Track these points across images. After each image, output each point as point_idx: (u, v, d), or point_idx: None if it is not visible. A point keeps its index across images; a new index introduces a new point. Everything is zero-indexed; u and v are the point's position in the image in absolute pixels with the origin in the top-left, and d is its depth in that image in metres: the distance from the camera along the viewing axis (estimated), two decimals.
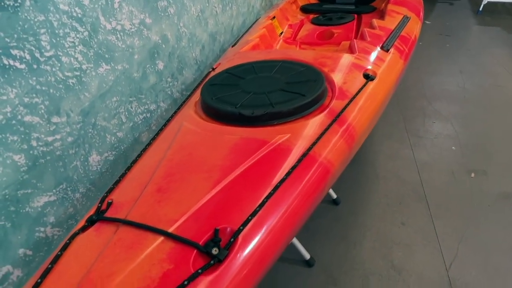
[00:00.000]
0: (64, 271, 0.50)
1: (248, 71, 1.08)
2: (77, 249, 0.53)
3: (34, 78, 0.96)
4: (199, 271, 0.47)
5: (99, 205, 0.63)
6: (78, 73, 1.10)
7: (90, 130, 1.18)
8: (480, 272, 1.48)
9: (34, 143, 0.98)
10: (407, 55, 1.30)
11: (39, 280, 0.48)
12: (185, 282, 0.45)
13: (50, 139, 1.03)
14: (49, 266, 0.50)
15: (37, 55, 0.96)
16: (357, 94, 0.94)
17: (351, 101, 0.90)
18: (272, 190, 0.61)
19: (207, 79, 1.20)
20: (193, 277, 0.46)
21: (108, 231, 0.55)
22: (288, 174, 0.65)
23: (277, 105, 0.83)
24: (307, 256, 1.54)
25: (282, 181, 0.63)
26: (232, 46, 1.64)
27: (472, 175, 2.02)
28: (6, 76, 0.88)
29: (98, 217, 0.58)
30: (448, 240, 1.67)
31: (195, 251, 0.50)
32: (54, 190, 1.07)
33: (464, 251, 1.59)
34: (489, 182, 1.93)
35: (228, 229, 0.54)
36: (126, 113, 1.34)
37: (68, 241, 0.55)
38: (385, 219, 1.80)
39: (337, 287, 1.51)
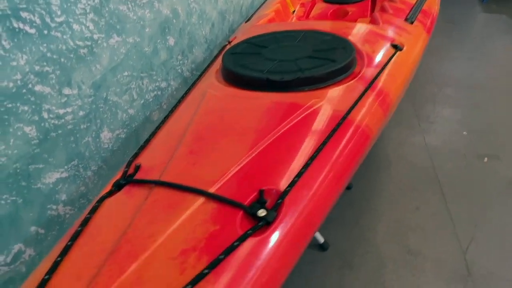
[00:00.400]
0: (96, 233, 0.45)
1: (270, 41, 1.02)
2: (107, 212, 0.49)
3: (45, 45, 0.90)
4: (249, 232, 0.42)
5: (126, 169, 0.58)
6: (89, 43, 1.04)
7: (101, 105, 1.12)
8: (497, 256, 1.45)
9: (45, 115, 0.93)
10: (429, 28, 1.25)
11: (69, 243, 0.43)
12: (236, 243, 0.40)
13: (61, 111, 0.98)
14: (79, 228, 0.45)
15: (48, 20, 0.90)
16: (388, 62, 0.89)
17: (383, 69, 0.85)
18: (315, 152, 0.57)
19: (223, 52, 1.14)
20: (243, 238, 0.41)
21: (140, 193, 0.51)
22: (329, 137, 0.60)
23: (307, 71, 0.78)
24: (321, 240, 1.50)
25: (324, 143, 0.59)
26: (246, 22, 1.58)
27: (485, 159, 1.98)
28: (15, 40, 0.82)
29: (127, 180, 0.53)
30: (464, 224, 1.64)
31: (241, 212, 0.46)
32: (65, 167, 1.01)
33: (480, 234, 1.56)
34: (503, 166, 1.89)
35: (274, 191, 0.49)
36: (137, 90, 1.29)
37: (96, 204, 0.50)
38: (398, 204, 1.76)
39: (352, 271, 1.48)
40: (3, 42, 0.80)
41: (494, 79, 2.70)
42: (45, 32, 0.89)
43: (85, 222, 0.46)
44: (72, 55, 0.99)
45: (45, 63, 0.91)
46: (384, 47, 0.97)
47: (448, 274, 1.44)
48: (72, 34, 0.98)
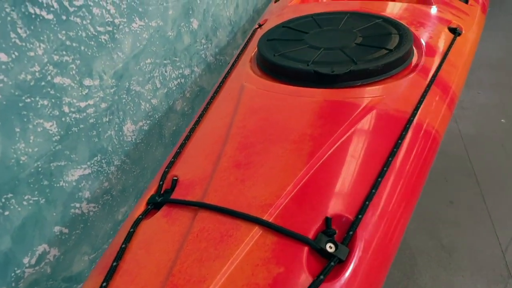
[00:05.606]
0: (135, 272, 0.37)
1: (310, 25, 0.91)
2: (146, 241, 0.41)
3: (64, 32, 0.82)
4: (321, 277, 0.34)
5: (161, 182, 0.50)
6: (110, 29, 0.95)
7: (124, 96, 1.04)
8: None
9: (66, 109, 0.86)
10: (485, 7, 1.11)
11: (104, 284, 0.36)
12: None
13: (82, 104, 0.91)
14: (114, 263, 0.38)
15: (66, 3, 0.81)
16: (448, 50, 0.77)
17: (444, 58, 0.74)
18: (384, 166, 0.48)
19: (254, 37, 1.04)
20: (316, 286, 0.33)
21: (182, 217, 0.43)
22: (397, 145, 0.51)
23: (360, 62, 0.68)
24: None
25: (393, 154, 0.49)
26: (275, 1, 1.46)
27: None
28: (32, 27, 0.74)
29: (165, 199, 0.46)
30: (503, 220, 1.53)
31: (306, 248, 0.37)
32: (88, 163, 0.95)
33: None
34: None
35: (343, 219, 0.41)
36: (161, 78, 1.20)
37: (132, 229, 0.43)
38: (431, 197, 1.65)
39: None
40: (19, 30, 0.72)
41: None
42: (64, 17, 0.81)
43: (121, 255, 0.39)
44: (92, 43, 0.90)
45: (64, 52, 0.83)
46: (441, 32, 0.85)
47: (486, 274, 1.35)
48: (92, 19, 0.89)
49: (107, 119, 1.00)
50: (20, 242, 0.81)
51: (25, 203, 0.80)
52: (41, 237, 0.86)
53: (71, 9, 0.83)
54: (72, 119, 0.88)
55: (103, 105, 0.97)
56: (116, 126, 1.03)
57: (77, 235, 0.96)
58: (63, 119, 0.86)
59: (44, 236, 0.86)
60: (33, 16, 0.74)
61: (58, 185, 0.88)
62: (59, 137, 0.85)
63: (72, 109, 0.88)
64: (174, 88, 1.29)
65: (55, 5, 0.79)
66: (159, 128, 1.24)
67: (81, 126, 0.91)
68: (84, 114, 0.92)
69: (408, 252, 1.42)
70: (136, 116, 1.11)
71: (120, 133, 1.06)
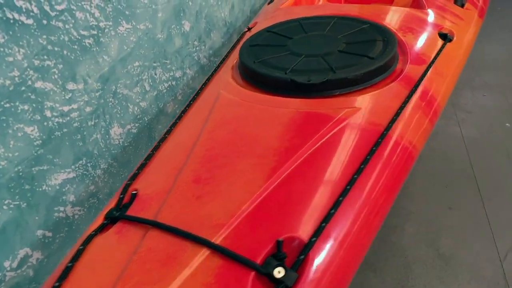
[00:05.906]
0: None
1: (295, 30, 0.89)
2: (93, 259, 0.40)
3: (45, 37, 0.82)
4: None
5: (121, 196, 0.49)
6: (95, 32, 0.95)
7: (110, 99, 1.04)
8: None
9: (48, 114, 0.86)
10: (483, 11, 1.08)
11: None
12: None
13: (66, 109, 0.90)
14: (56, 284, 0.37)
15: (47, 8, 0.81)
16: (436, 57, 0.75)
17: (430, 66, 0.71)
18: (348, 184, 0.45)
19: (243, 40, 1.02)
20: None
21: (133, 234, 0.42)
22: (365, 162, 0.49)
23: (339, 71, 0.65)
24: None
25: (359, 171, 0.47)
26: (268, 3, 1.44)
27: None
28: (11, 33, 0.74)
29: (121, 215, 0.45)
30: (503, 227, 1.50)
31: (253, 272, 0.36)
32: (72, 167, 0.95)
33: None
34: None
35: (296, 242, 0.39)
36: (150, 81, 1.20)
37: (81, 247, 0.42)
38: (429, 202, 1.62)
39: (376, 274, 1.38)
40: None
41: None
42: (44, 22, 0.81)
43: (65, 274, 0.38)
44: (76, 47, 0.90)
45: (45, 57, 0.82)
46: (430, 38, 0.82)
47: (483, 282, 1.32)
48: (76, 23, 0.89)
49: (93, 123, 0.99)
50: (0, 246, 0.81)
51: (5, 207, 0.80)
52: (23, 241, 0.86)
53: (53, 14, 0.82)
54: (55, 123, 0.88)
55: (88, 109, 0.97)
56: (103, 129, 1.03)
57: (61, 239, 0.96)
58: (45, 123, 0.86)
59: (26, 240, 0.86)
60: (12, 21, 0.74)
61: (40, 189, 0.88)
62: (41, 141, 0.85)
63: (54, 114, 0.88)
64: (165, 90, 1.28)
65: (35, 10, 0.78)
66: (148, 131, 1.23)
67: (65, 130, 0.91)
68: (68, 118, 0.91)
69: (403, 259, 1.40)
70: (123, 119, 1.11)
71: (107, 136, 1.05)
